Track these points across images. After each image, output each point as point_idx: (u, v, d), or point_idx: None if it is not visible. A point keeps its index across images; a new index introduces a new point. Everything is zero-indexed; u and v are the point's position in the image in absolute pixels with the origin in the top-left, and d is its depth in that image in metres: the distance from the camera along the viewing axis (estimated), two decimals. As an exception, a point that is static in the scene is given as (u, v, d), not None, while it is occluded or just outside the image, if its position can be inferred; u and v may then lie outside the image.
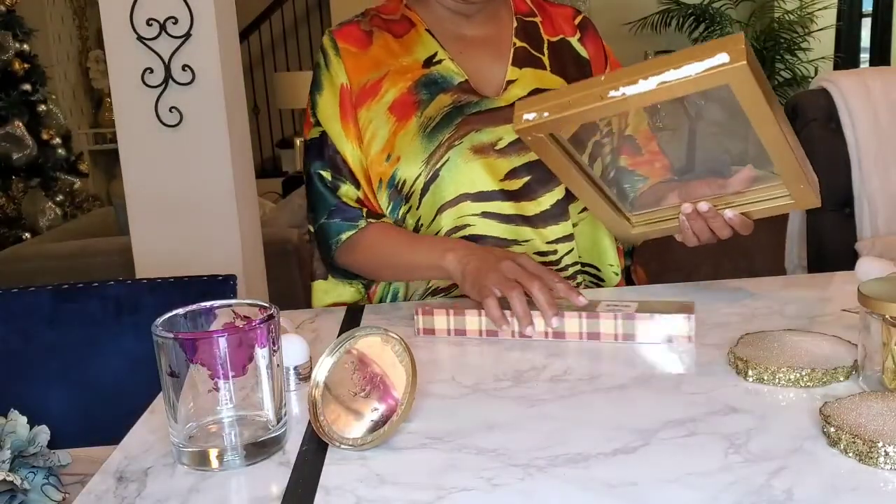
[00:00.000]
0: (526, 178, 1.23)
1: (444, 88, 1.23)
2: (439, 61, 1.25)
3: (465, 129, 1.21)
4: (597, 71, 1.34)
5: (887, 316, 0.78)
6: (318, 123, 1.26)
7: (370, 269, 1.26)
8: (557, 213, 1.24)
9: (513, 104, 1.21)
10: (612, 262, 1.30)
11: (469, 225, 1.22)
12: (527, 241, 1.23)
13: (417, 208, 1.23)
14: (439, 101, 1.23)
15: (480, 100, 1.23)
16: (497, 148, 1.22)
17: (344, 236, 1.23)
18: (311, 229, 1.29)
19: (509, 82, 1.26)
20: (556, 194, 1.24)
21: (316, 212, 1.26)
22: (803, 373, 0.83)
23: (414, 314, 1.05)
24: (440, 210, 1.22)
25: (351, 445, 0.74)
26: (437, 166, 1.21)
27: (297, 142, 5.56)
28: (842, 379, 0.84)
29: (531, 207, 1.23)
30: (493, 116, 1.22)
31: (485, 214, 1.22)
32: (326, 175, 1.24)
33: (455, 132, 1.21)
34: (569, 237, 1.25)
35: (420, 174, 1.21)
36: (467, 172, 1.21)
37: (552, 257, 1.24)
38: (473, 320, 1.02)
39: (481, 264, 1.05)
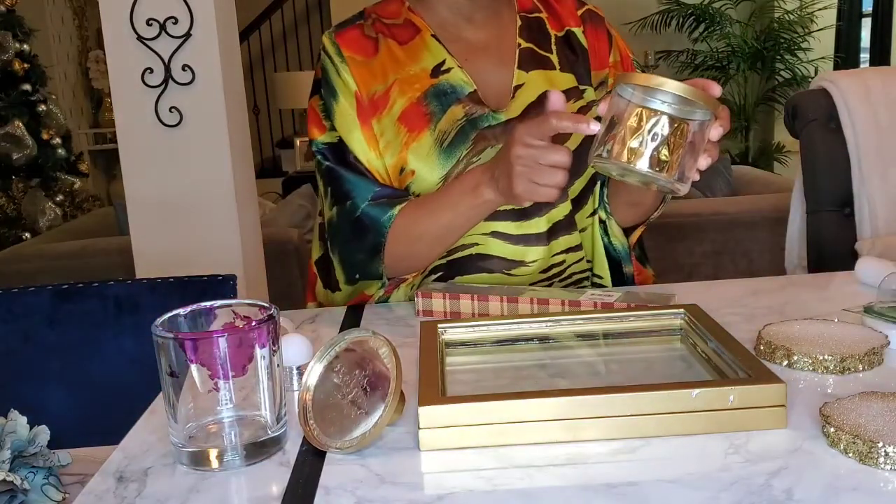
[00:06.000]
0: None
1: (454, 99, 1.20)
2: (448, 69, 1.21)
3: (482, 145, 1.18)
4: (594, 65, 1.28)
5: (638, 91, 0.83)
6: (333, 128, 1.21)
7: (414, 250, 1.19)
8: (567, 224, 1.22)
9: (525, 114, 1.19)
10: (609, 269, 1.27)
11: (476, 244, 1.20)
12: (534, 261, 1.20)
13: None
14: (452, 113, 1.19)
15: (492, 112, 1.20)
16: None
17: (396, 210, 1.16)
18: (325, 222, 1.22)
19: (517, 87, 1.22)
20: (566, 207, 1.22)
21: (356, 196, 1.18)
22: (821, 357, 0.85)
23: (414, 297, 1.13)
24: None
25: (338, 448, 0.74)
26: None
27: (298, 142, 5.55)
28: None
29: (542, 224, 1.20)
30: (508, 130, 1.18)
31: (493, 234, 1.19)
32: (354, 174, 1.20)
33: (472, 148, 1.18)
34: (577, 247, 1.23)
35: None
36: None
37: (558, 269, 1.22)
38: (466, 304, 1.09)
39: (504, 172, 1.03)
